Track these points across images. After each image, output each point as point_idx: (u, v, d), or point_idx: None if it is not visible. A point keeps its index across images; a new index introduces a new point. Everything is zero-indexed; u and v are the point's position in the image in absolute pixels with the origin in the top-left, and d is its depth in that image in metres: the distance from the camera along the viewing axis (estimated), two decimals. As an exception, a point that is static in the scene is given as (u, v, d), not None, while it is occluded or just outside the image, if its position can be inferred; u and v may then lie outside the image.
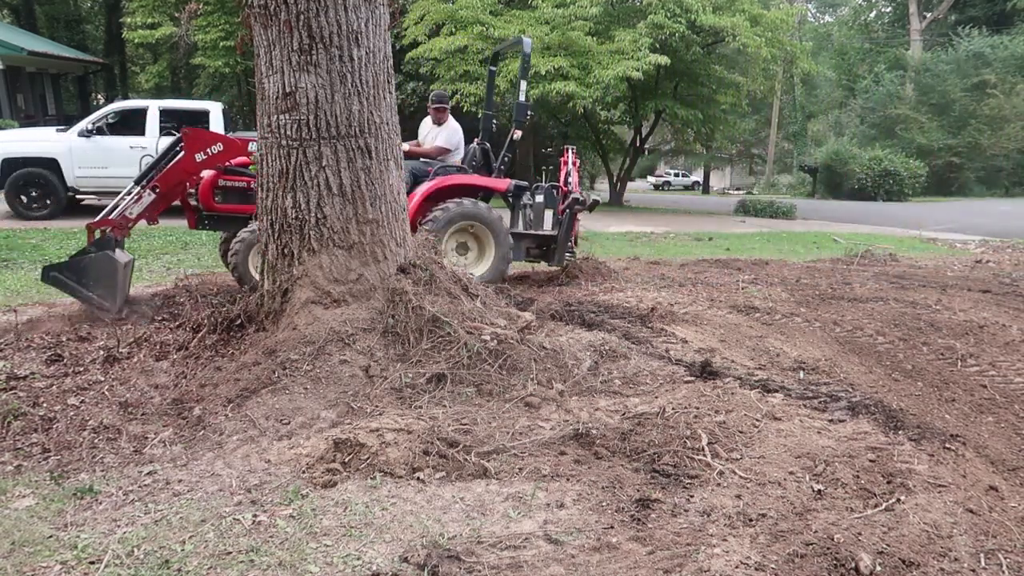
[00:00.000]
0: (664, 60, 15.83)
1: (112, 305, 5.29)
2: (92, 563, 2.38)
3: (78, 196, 12.19)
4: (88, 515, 2.70)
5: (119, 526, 2.61)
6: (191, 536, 2.53)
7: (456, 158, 7.40)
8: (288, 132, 4.18)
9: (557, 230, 7.54)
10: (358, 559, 2.41)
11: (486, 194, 7.36)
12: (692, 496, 2.83)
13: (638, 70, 15.42)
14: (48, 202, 11.66)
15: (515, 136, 7.45)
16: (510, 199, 7.58)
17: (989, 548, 2.51)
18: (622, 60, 15.65)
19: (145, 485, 2.93)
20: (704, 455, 3.12)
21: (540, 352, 4.21)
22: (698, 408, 3.54)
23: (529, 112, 8.01)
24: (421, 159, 7.29)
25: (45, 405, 3.67)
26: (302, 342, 3.98)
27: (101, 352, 4.36)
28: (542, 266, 7.95)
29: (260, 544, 2.48)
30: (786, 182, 38.47)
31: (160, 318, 5.28)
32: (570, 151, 8.15)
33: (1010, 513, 2.86)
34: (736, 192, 40.57)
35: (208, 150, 6.00)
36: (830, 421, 3.52)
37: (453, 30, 16.49)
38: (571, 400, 3.82)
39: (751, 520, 2.62)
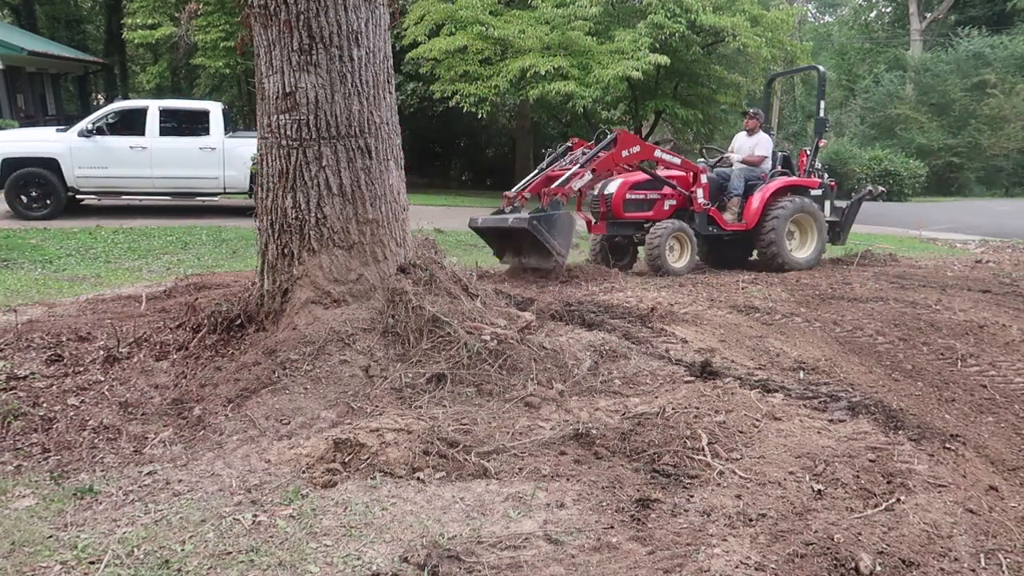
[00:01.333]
0: (664, 60, 15.83)
1: (565, 255, 7.30)
2: (92, 563, 2.38)
3: (78, 196, 12.19)
4: (88, 515, 2.70)
5: (119, 526, 2.61)
6: (191, 536, 2.53)
7: (767, 164, 9.06)
8: (288, 132, 4.18)
9: (838, 216, 9.50)
10: (358, 559, 2.41)
11: (799, 191, 8.99)
12: (692, 496, 2.83)
13: (638, 70, 15.41)
14: (48, 202, 11.66)
15: (821, 145, 9.52)
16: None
17: (989, 548, 2.51)
18: (622, 60, 15.64)
19: (145, 485, 2.93)
20: (704, 455, 3.12)
21: (540, 352, 4.21)
22: (698, 408, 3.54)
23: (827, 123, 9.89)
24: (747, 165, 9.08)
25: (45, 405, 3.67)
26: (302, 342, 3.98)
27: (101, 352, 4.36)
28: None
29: (260, 544, 2.48)
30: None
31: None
32: (807, 152, 9.57)
33: (1010, 513, 2.86)
34: (736, 192, 40.42)
35: (631, 150, 8.00)
36: (830, 421, 3.52)
37: (453, 30, 16.48)
38: (571, 400, 3.82)
39: (751, 520, 2.62)
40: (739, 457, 3.12)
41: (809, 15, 47.13)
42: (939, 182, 30.23)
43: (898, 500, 2.73)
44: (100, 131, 11.85)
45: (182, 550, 2.44)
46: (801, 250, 8.97)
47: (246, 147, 11.79)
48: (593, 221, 8.64)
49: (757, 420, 3.45)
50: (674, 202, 8.58)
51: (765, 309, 6.28)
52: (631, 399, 3.84)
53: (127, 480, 2.98)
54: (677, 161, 8.58)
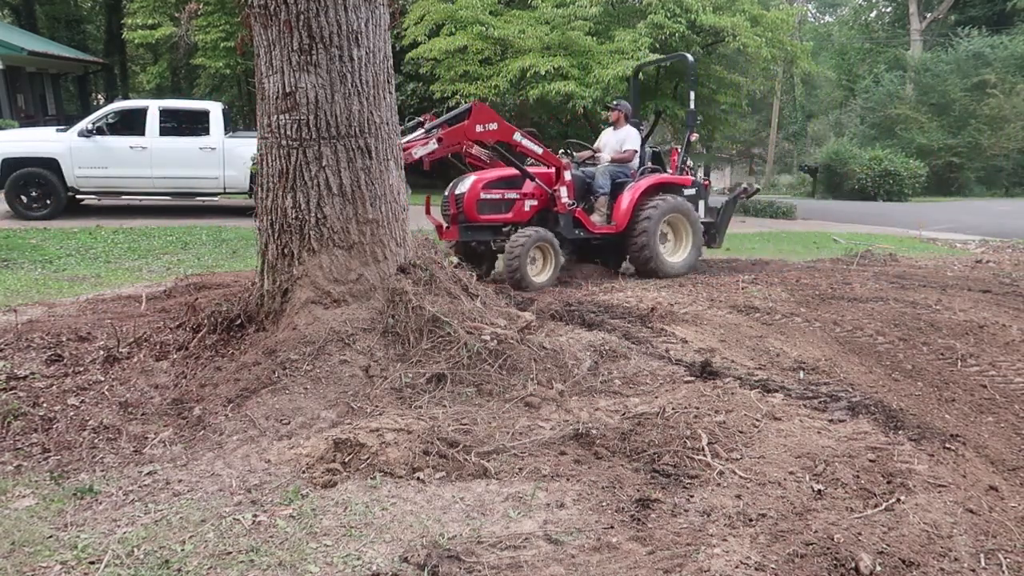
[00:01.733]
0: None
1: None
2: (92, 563, 2.38)
3: (78, 196, 12.19)
4: (88, 515, 2.70)
5: (119, 526, 2.61)
6: (191, 536, 2.53)
7: (638, 160, 8.34)
8: (288, 132, 4.18)
9: (712, 217, 8.82)
10: (358, 559, 2.41)
11: (670, 190, 8.28)
12: (692, 496, 2.83)
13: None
14: (48, 202, 11.65)
15: (692, 139, 8.73)
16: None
17: (989, 548, 2.51)
18: (622, 60, 15.64)
19: (145, 485, 2.93)
20: (704, 455, 3.12)
21: (540, 352, 4.21)
22: (698, 408, 3.54)
23: (699, 118, 9.30)
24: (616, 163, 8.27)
25: (45, 405, 3.67)
26: (302, 342, 3.98)
27: (101, 352, 4.36)
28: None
29: (260, 544, 2.48)
30: (786, 182, 38.43)
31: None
32: (679, 151, 8.96)
33: (1010, 513, 2.86)
34: (736, 192, 40.45)
35: (486, 126, 6.92)
36: (830, 421, 3.52)
37: (453, 30, 16.48)
38: (571, 400, 3.82)
39: (751, 520, 2.62)
40: (739, 457, 3.12)
41: (809, 15, 47.15)
42: (939, 182, 30.21)
43: (898, 500, 2.73)
44: (100, 131, 11.85)
45: (182, 550, 2.44)
46: (676, 254, 8.25)
47: (246, 147, 11.78)
48: (444, 226, 7.55)
49: (757, 420, 3.45)
50: (536, 202, 7.53)
51: (765, 309, 6.28)
52: (631, 399, 3.84)
53: (127, 480, 2.98)
54: (539, 151, 7.36)
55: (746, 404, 3.61)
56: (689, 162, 8.80)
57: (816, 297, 7.02)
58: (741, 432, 3.32)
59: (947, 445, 3.32)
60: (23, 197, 11.57)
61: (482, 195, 7.33)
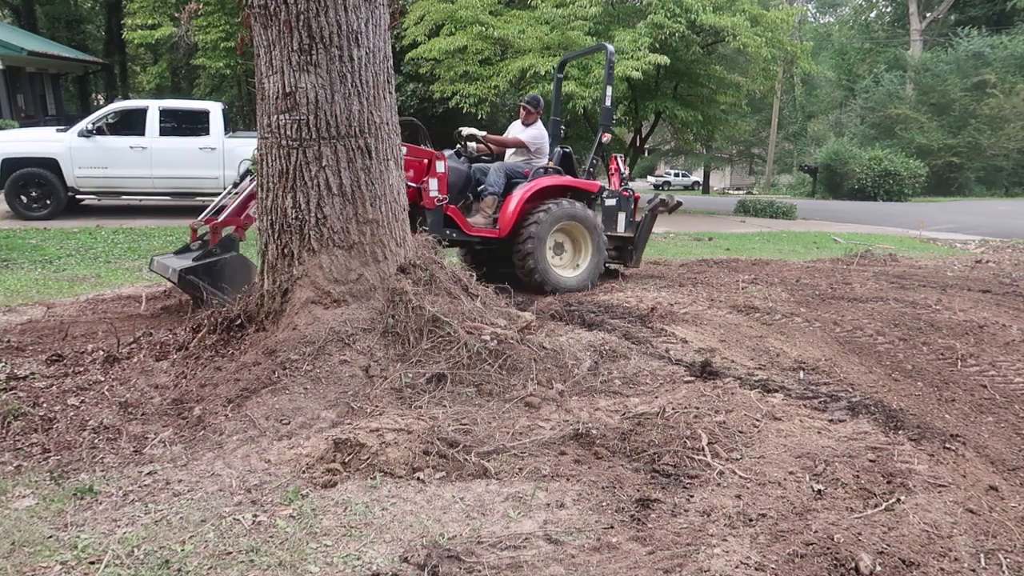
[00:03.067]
0: (664, 60, 15.82)
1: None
2: (92, 563, 2.38)
3: (78, 196, 12.19)
4: (88, 515, 2.70)
5: (119, 526, 2.61)
6: (191, 536, 2.53)
7: (541, 161, 7.42)
8: (288, 132, 4.18)
9: (633, 232, 7.81)
10: (358, 559, 2.41)
11: (574, 196, 7.38)
12: (692, 496, 2.83)
13: (638, 70, 15.41)
14: (48, 202, 11.65)
15: (604, 139, 7.72)
16: (597, 202, 7.66)
17: (989, 548, 2.51)
18: (622, 60, 15.64)
19: (145, 485, 2.93)
20: (704, 455, 3.12)
21: (540, 352, 4.21)
22: (698, 408, 3.54)
23: (615, 116, 8.05)
24: (516, 159, 7.40)
25: (45, 405, 3.67)
26: (302, 342, 3.98)
27: (101, 352, 4.36)
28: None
29: (260, 544, 2.48)
30: (786, 182, 38.46)
31: None
32: (618, 159, 8.30)
33: (1010, 513, 2.86)
34: (736, 192, 40.57)
35: None
36: (830, 421, 3.52)
37: (453, 30, 16.49)
38: (571, 400, 3.82)
39: (751, 520, 2.62)
40: (739, 457, 3.12)
41: (809, 15, 47.15)
42: (939, 182, 30.22)
43: (898, 500, 2.73)
44: (100, 131, 11.85)
45: (182, 550, 2.44)
46: (570, 268, 7.32)
47: (246, 147, 11.79)
48: None
49: (757, 420, 3.45)
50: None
51: (765, 309, 6.28)
52: (631, 399, 3.84)
53: (127, 480, 2.98)
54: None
55: (746, 404, 3.61)
56: (596, 164, 8.04)
57: (816, 297, 7.02)
58: (741, 432, 3.32)
59: (947, 445, 3.32)
60: (23, 197, 11.58)
61: None
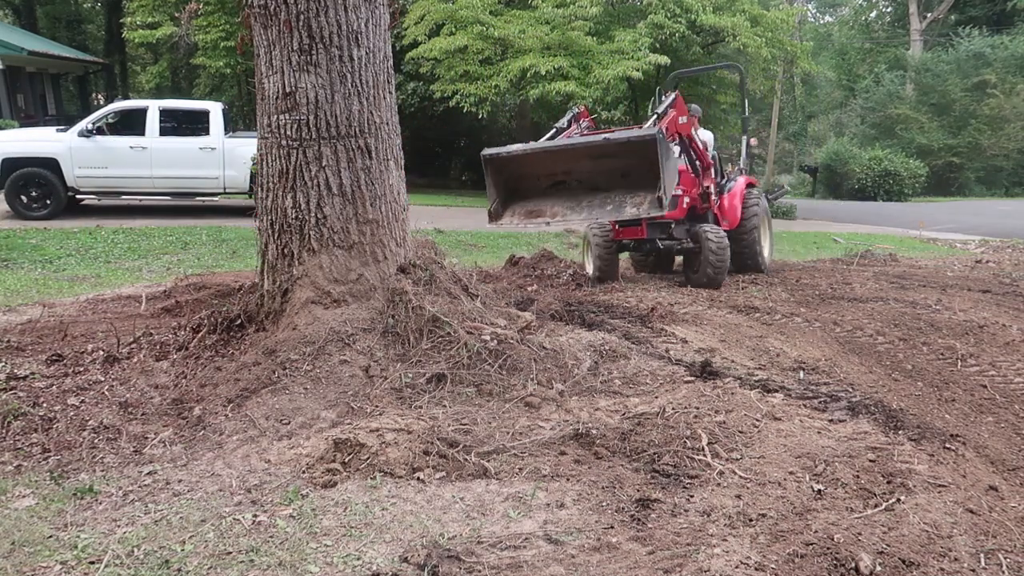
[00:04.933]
0: (664, 60, 15.82)
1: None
2: (92, 563, 2.38)
3: (78, 196, 12.19)
4: (88, 515, 2.70)
5: (119, 526, 2.61)
6: (191, 536, 2.53)
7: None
8: (288, 132, 4.18)
9: None
10: (358, 559, 2.41)
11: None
12: (692, 496, 2.83)
13: (638, 70, 15.41)
14: (48, 202, 11.64)
15: (752, 143, 9.49)
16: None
17: (989, 548, 2.51)
18: (622, 60, 15.65)
19: (145, 485, 2.93)
20: (704, 455, 3.12)
21: (540, 352, 4.21)
22: (698, 408, 3.54)
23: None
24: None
25: (45, 405, 3.67)
26: (302, 342, 3.98)
27: (101, 352, 4.36)
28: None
29: (260, 544, 2.48)
30: (786, 182, 38.42)
31: None
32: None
33: (1010, 513, 2.86)
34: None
35: (681, 119, 7.05)
36: (830, 421, 3.52)
37: (453, 30, 16.48)
38: (571, 400, 3.82)
39: (751, 520, 2.62)
40: (739, 457, 3.12)
41: (809, 15, 47.12)
42: (939, 182, 30.20)
43: (898, 500, 2.73)
44: (100, 131, 11.84)
45: (182, 550, 2.44)
46: (767, 251, 8.73)
47: (246, 147, 11.78)
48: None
49: (757, 420, 3.44)
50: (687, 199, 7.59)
51: (765, 309, 6.28)
52: (631, 399, 3.84)
53: (127, 480, 2.98)
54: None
55: (746, 404, 3.61)
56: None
57: (816, 297, 7.02)
58: (741, 432, 3.32)
59: (947, 445, 3.32)
60: (23, 197, 11.56)
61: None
